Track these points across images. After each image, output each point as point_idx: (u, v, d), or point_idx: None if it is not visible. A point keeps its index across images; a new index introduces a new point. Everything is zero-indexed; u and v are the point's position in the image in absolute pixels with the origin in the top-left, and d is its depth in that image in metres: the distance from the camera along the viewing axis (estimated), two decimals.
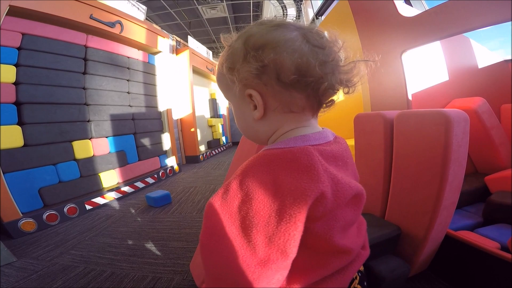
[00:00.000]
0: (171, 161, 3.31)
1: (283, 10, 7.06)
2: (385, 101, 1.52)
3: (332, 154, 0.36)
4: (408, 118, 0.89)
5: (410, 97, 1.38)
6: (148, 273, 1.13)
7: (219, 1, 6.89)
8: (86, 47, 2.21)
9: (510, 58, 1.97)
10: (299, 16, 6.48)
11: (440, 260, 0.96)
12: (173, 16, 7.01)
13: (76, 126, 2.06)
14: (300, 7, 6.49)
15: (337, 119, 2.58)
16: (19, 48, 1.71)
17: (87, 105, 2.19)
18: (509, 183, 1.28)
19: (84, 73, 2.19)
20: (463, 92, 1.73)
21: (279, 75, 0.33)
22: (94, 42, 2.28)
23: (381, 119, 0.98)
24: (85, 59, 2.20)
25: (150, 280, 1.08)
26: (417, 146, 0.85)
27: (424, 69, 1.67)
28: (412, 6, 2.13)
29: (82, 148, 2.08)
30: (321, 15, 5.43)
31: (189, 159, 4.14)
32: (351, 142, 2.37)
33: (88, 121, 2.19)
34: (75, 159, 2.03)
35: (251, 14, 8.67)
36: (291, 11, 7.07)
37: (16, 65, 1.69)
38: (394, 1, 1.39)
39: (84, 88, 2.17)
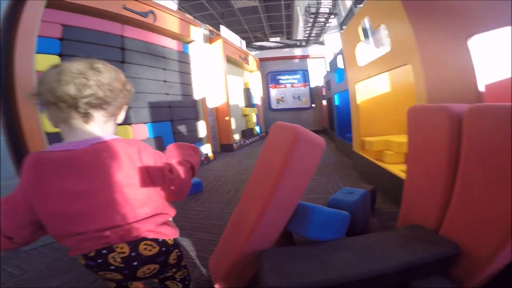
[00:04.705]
0: (206, 149, 3.25)
1: None
2: (446, 92, 1.22)
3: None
4: (486, 113, 0.64)
5: (482, 89, 1.10)
6: None
7: None
8: (122, 36, 2.17)
9: None
10: (334, 5, 5.79)
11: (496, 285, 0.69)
12: (206, 6, 6.96)
13: None
14: None
15: (381, 112, 2.17)
16: (61, 39, 1.72)
17: None
18: None
19: (122, 62, 2.17)
20: None
21: None
22: (130, 32, 2.24)
23: (446, 114, 0.75)
24: (122, 49, 2.17)
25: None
26: (499, 150, 0.60)
27: (505, 56, 1.25)
28: None
29: (122, 133, 2.07)
30: (360, 3, 4.83)
31: (224, 147, 4.06)
32: (395, 138, 1.92)
33: (129, 107, 2.18)
34: None
35: (282, 2, 8.17)
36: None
37: (59, 55, 1.70)
38: None
39: None
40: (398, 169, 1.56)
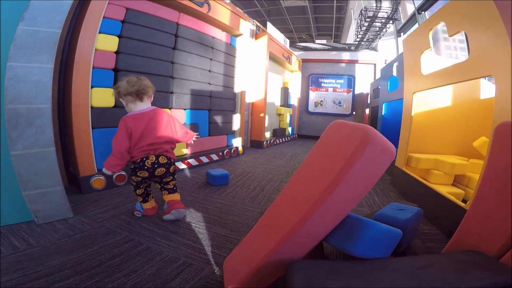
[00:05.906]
0: (237, 142, 3.26)
1: (376, 2, 5.89)
2: None
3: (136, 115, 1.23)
4: None
5: None
6: (181, 256, 0.99)
7: None
8: (177, 24, 2.25)
9: None
10: (395, 10, 5.32)
11: None
12: (254, 3, 6.93)
13: (160, 96, 2.15)
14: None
15: (434, 128, 1.98)
16: (122, 21, 1.84)
17: (173, 78, 2.26)
18: None
19: (174, 48, 2.25)
20: None
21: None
22: (185, 20, 2.31)
23: None
24: (176, 36, 2.25)
25: (180, 265, 0.93)
26: None
27: None
28: None
29: None
30: (425, 10, 4.40)
31: (254, 144, 4.04)
32: (447, 158, 1.80)
33: (171, 92, 2.26)
34: None
35: (334, 4, 7.78)
36: (386, 4, 5.84)
37: (119, 36, 1.82)
38: None
39: (172, 62, 2.24)
40: (445, 190, 1.45)
